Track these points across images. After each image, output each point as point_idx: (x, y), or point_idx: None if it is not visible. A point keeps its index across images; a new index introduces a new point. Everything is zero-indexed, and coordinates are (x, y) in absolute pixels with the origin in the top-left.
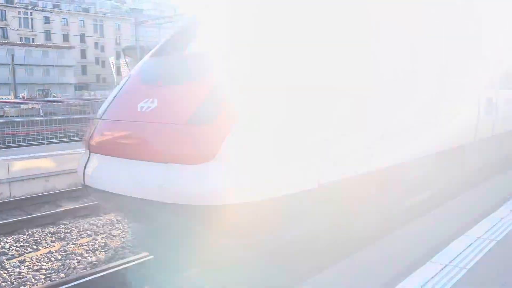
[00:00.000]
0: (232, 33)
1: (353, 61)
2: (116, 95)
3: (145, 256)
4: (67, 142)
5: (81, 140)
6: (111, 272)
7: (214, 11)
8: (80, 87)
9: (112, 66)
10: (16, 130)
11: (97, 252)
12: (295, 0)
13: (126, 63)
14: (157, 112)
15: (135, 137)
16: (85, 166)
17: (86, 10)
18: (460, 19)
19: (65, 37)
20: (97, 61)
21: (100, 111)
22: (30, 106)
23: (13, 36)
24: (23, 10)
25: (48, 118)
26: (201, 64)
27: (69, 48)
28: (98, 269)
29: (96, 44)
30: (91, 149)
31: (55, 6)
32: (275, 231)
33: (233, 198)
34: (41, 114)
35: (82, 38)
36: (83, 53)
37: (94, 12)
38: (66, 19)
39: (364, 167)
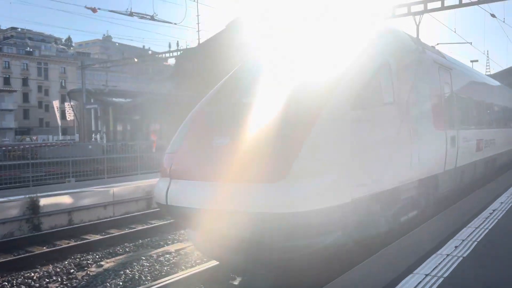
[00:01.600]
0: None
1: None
2: (185, 134)
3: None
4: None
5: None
6: None
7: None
8: (21, 131)
9: (56, 109)
10: None
11: None
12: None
13: (71, 107)
14: (232, 146)
15: (216, 165)
16: (167, 190)
17: (29, 53)
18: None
19: (6, 80)
20: (40, 104)
21: (174, 147)
22: None
23: None
24: None
25: None
26: (264, 109)
27: (10, 91)
28: None
29: (39, 87)
30: (172, 176)
31: None
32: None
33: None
34: None
35: (25, 81)
36: (25, 97)
37: (39, 55)
38: (8, 61)
39: (377, 188)
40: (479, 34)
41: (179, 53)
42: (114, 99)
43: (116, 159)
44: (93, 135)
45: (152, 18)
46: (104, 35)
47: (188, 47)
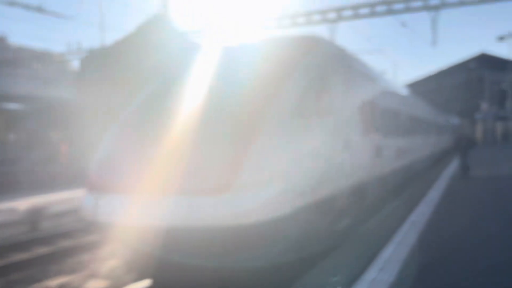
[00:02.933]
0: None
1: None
2: (112, 143)
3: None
4: None
5: None
6: None
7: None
8: None
9: None
10: None
11: None
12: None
13: None
14: (171, 156)
15: (152, 176)
16: (96, 205)
17: None
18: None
19: None
20: None
21: (101, 157)
22: None
23: None
24: None
25: None
26: (205, 117)
27: None
28: None
29: None
30: (101, 190)
31: None
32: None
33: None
34: None
35: None
36: None
37: None
38: None
39: (316, 196)
40: (390, 44)
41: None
42: (5, 104)
43: (6, 172)
44: None
45: (39, 9)
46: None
47: (91, 48)
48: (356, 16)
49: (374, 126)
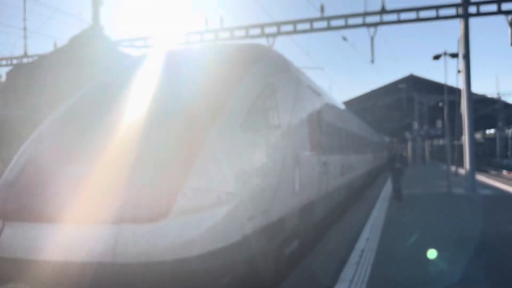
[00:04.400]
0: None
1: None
2: (26, 159)
3: None
4: None
5: None
6: None
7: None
8: None
9: None
10: None
11: None
12: None
13: None
14: (94, 174)
15: (73, 200)
16: None
17: None
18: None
19: None
20: None
21: (11, 176)
22: None
23: None
24: None
25: None
26: (137, 128)
27: None
28: None
29: None
30: (6, 217)
31: None
32: None
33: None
34: None
35: None
36: None
37: None
38: None
39: (266, 220)
40: (329, 60)
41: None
42: None
43: None
44: None
45: None
46: None
47: (12, 55)
48: (296, 31)
49: (321, 141)
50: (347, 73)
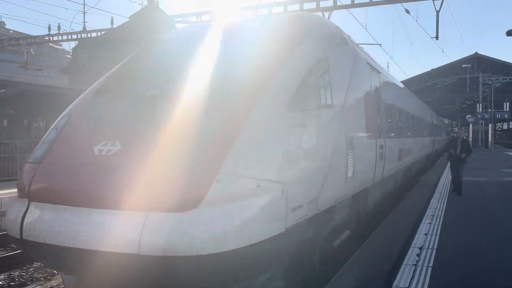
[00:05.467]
0: (194, 76)
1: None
2: (57, 136)
3: None
4: None
5: None
6: None
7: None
8: None
9: None
10: None
11: None
12: None
13: None
14: (122, 155)
15: (98, 183)
16: (23, 217)
17: None
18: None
19: None
20: None
21: (38, 153)
22: None
23: None
24: None
25: None
26: (172, 105)
27: None
28: None
29: None
30: (33, 197)
31: None
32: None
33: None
34: None
35: None
36: None
37: None
38: None
39: (314, 209)
40: (388, 36)
41: (68, 36)
42: None
43: None
44: None
45: None
46: None
47: (71, 30)
48: (353, 5)
49: (378, 123)
50: (407, 50)
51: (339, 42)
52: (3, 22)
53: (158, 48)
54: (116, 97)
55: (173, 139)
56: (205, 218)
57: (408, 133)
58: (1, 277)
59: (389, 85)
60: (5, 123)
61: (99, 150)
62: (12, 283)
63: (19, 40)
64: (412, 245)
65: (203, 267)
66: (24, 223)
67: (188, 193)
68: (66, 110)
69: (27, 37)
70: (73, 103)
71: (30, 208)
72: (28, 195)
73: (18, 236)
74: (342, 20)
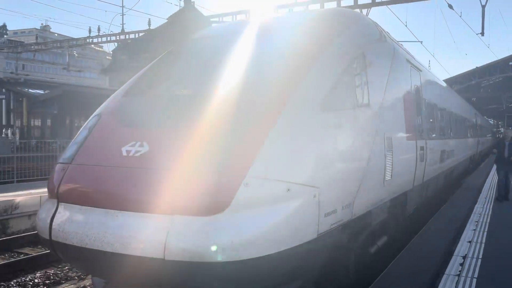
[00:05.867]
0: (225, 75)
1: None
2: (87, 136)
3: None
4: None
5: None
6: None
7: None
8: None
9: None
10: None
11: None
12: None
13: None
14: (150, 157)
15: (124, 185)
16: (52, 218)
17: None
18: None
19: None
20: None
21: (68, 154)
22: None
23: None
24: None
25: None
26: (203, 106)
27: None
28: None
29: None
30: (62, 198)
31: None
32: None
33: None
34: None
35: None
36: None
37: None
38: None
39: (348, 215)
40: (430, 33)
41: (107, 38)
42: (30, 89)
43: (29, 159)
44: (3, 130)
45: None
46: (42, 24)
47: (110, 32)
48: (393, 0)
49: (419, 123)
50: (451, 48)
51: (377, 38)
52: (48, 25)
53: (190, 47)
54: (145, 97)
55: (201, 140)
56: (232, 223)
57: (451, 134)
58: (38, 274)
59: (431, 83)
60: (48, 122)
61: (127, 151)
62: (47, 281)
63: (62, 43)
64: (455, 254)
65: (228, 274)
66: (53, 224)
67: (214, 196)
68: (97, 110)
69: (69, 39)
70: (104, 103)
71: (59, 209)
72: (57, 196)
73: (47, 237)
74: (381, 17)
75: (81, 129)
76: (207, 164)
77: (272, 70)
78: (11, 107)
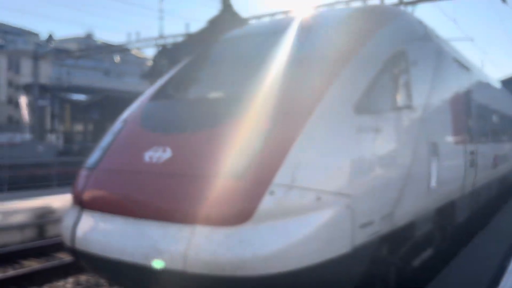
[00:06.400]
0: (252, 77)
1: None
2: (112, 141)
3: None
4: None
5: None
6: None
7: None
8: None
9: (24, 106)
10: None
11: None
12: None
13: (25, 103)
14: (172, 163)
15: (144, 193)
16: (74, 225)
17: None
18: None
19: None
20: (10, 100)
21: (93, 159)
22: None
23: None
24: None
25: None
26: (227, 109)
27: None
28: None
29: (10, 82)
30: (85, 205)
31: None
32: None
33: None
34: None
35: None
36: None
37: (13, 49)
38: None
39: (388, 226)
40: (481, 30)
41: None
42: (73, 95)
43: (70, 163)
44: (48, 135)
45: None
46: (86, 32)
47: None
48: None
49: (469, 127)
50: (505, 46)
51: (421, 36)
52: (90, 34)
53: (219, 48)
54: (170, 101)
55: (224, 146)
56: (255, 235)
57: (504, 138)
58: (70, 280)
59: (482, 84)
60: (90, 127)
61: (150, 157)
62: (77, 287)
63: (102, 49)
64: (509, 270)
65: None
66: (76, 231)
67: (236, 206)
68: (123, 115)
69: (109, 46)
70: (130, 108)
71: (82, 216)
72: (81, 203)
73: (70, 245)
74: (428, 14)
75: (107, 133)
76: (229, 171)
77: (302, 70)
78: (55, 113)
